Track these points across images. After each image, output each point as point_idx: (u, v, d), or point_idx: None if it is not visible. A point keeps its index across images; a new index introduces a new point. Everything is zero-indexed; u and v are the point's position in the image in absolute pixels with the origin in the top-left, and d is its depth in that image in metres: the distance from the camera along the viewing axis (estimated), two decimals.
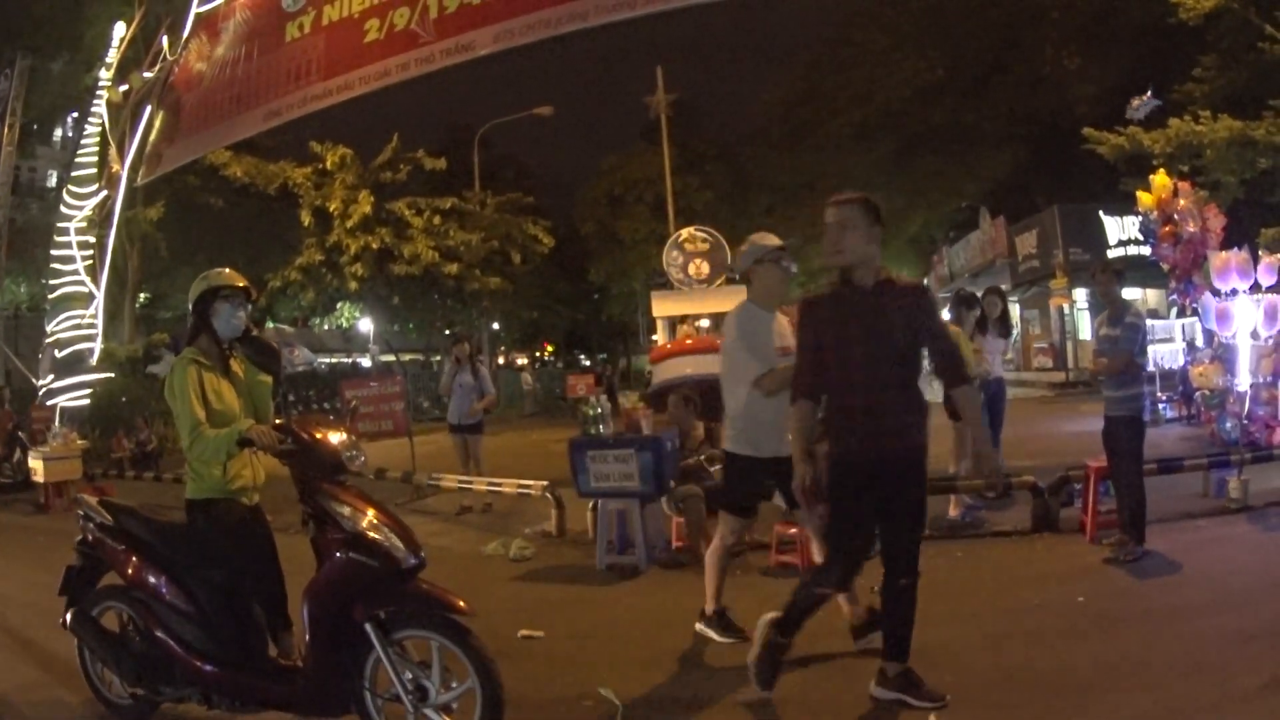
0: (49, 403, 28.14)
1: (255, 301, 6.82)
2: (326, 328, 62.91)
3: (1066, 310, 38.23)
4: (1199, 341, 20.64)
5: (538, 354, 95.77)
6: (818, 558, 7.81)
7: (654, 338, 43.21)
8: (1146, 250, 23.30)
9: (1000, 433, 13.56)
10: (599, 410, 12.10)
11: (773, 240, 8.10)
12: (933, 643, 7.61)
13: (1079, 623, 8.03)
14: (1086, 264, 33.79)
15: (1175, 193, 20.99)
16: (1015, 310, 44.84)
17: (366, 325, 58.44)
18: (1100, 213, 36.55)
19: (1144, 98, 28.68)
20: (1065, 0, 43.17)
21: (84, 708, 7.22)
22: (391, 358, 56.56)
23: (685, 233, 38.81)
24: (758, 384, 7.54)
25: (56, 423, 24.96)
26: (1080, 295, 37.28)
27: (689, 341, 33.88)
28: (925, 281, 56.40)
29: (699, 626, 8.26)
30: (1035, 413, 26.31)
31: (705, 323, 37.56)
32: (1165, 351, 22.85)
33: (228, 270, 6.81)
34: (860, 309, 6.48)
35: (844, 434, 6.65)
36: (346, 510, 5.94)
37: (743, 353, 7.68)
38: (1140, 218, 23.35)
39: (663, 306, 38.65)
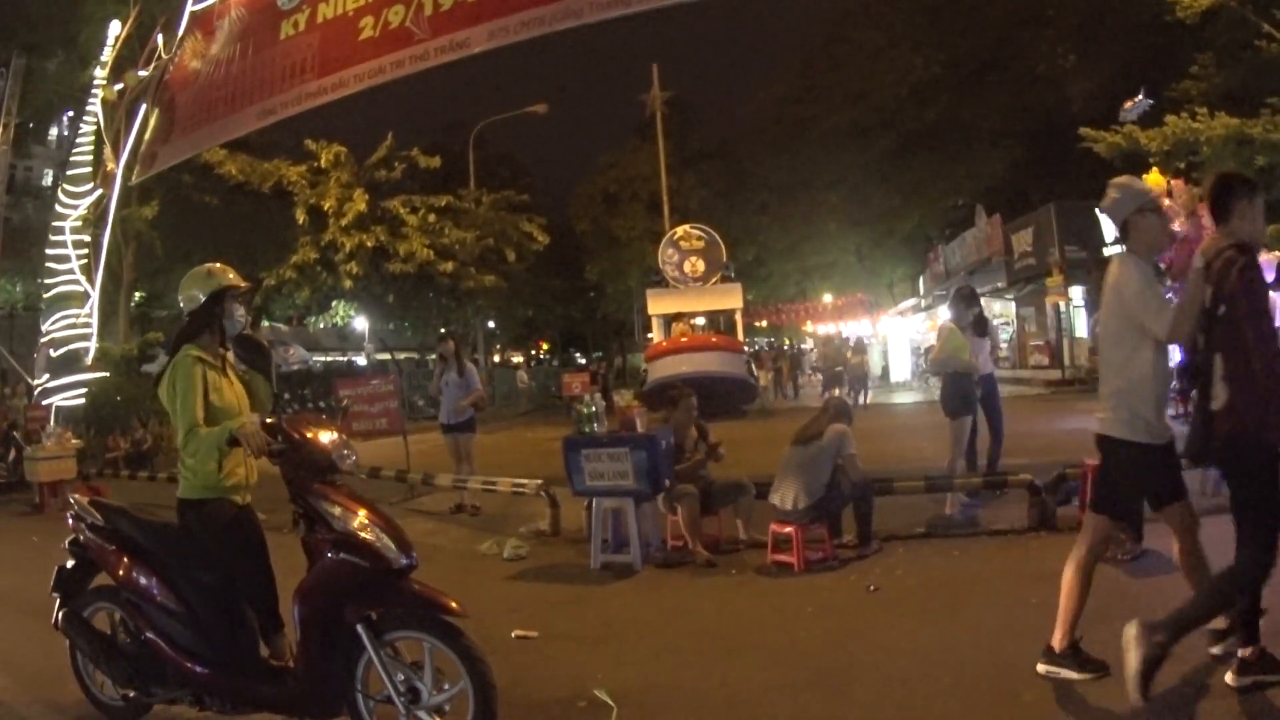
0: (44, 402, 28.10)
1: (252, 300, 6.84)
2: (322, 326, 62.90)
3: (1063, 308, 38.22)
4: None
5: (533, 352, 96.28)
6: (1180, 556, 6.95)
7: (649, 336, 43.27)
8: None
9: (1001, 427, 13.64)
10: (594, 408, 12.11)
11: (1144, 184, 7.52)
12: (930, 641, 7.68)
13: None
14: (1083, 262, 33.82)
15: (1169, 192, 20.96)
16: (1011, 308, 44.94)
17: (361, 324, 58.44)
18: (1097, 210, 36.28)
19: (1136, 99, 28.70)
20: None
21: (76, 709, 7.20)
22: (386, 356, 56.63)
23: (681, 230, 38.98)
24: (1176, 328, 6.49)
25: (51, 422, 24.94)
26: (1076, 293, 37.27)
27: (684, 339, 34.06)
28: (921, 280, 56.55)
29: (1044, 668, 6.91)
30: (1031, 410, 26.35)
31: (701, 320, 37.54)
32: None
33: (227, 269, 6.84)
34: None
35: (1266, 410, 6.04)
36: (337, 510, 5.92)
37: (1150, 307, 6.56)
38: None
39: (658, 304, 38.78)
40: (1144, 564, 9.57)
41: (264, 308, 51.49)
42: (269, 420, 6.27)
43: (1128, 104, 28.98)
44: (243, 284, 6.71)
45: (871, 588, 9.46)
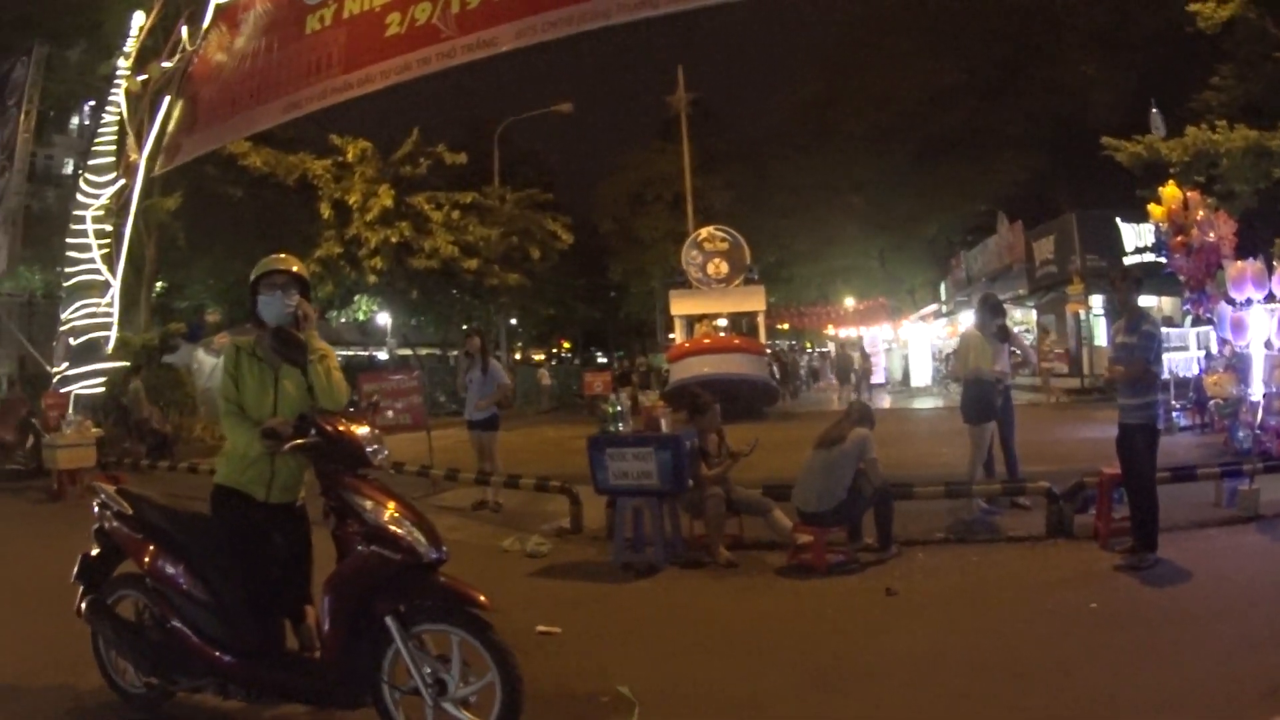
0: (62, 390, 28.15)
1: (307, 289, 6.78)
2: (344, 321, 62.79)
3: (1083, 316, 38.07)
4: (1214, 350, 20.63)
5: (555, 351, 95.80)
6: None
7: (671, 336, 43.25)
8: (1163, 258, 23.25)
9: (1013, 438, 13.64)
10: (619, 408, 12.15)
11: None
12: (948, 645, 7.74)
13: (1091, 629, 8.10)
14: (1103, 270, 33.71)
15: (1185, 204, 20.96)
16: (1032, 316, 44.78)
17: (384, 319, 58.25)
18: (1117, 219, 36.42)
19: (1154, 113, 28.76)
20: (1082, 5, 43.00)
21: (95, 695, 7.25)
22: (408, 352, 56.41)
23: (704, 232, 38.99)
24: None
25: (70, 410, 25.00)
26: (1096, 302, 37.10)
27: (706, 340, 34.08)
28: (942, 285, 56.41)
29: None
30: (1051, 419, 26.33)
31: (723, 322, 37.52)
32: (1180, 360, 22.87)
33: (281, 255, 6.82)
34: None
35: None
36: (368, 504, 5.96)
37: None
38: (1155, 226, 23.36)
39: (681, 305, 38.82)
40: (1158, 573, 9.59)
41: None
42: (301, 414, 6.29)
43: (1154, 117, 29.08)
44: (279, 268, 6.62)
45: (890, 591, 9.52)
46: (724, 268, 38.55)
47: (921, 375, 51.71)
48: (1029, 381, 35.72)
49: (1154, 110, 30.59)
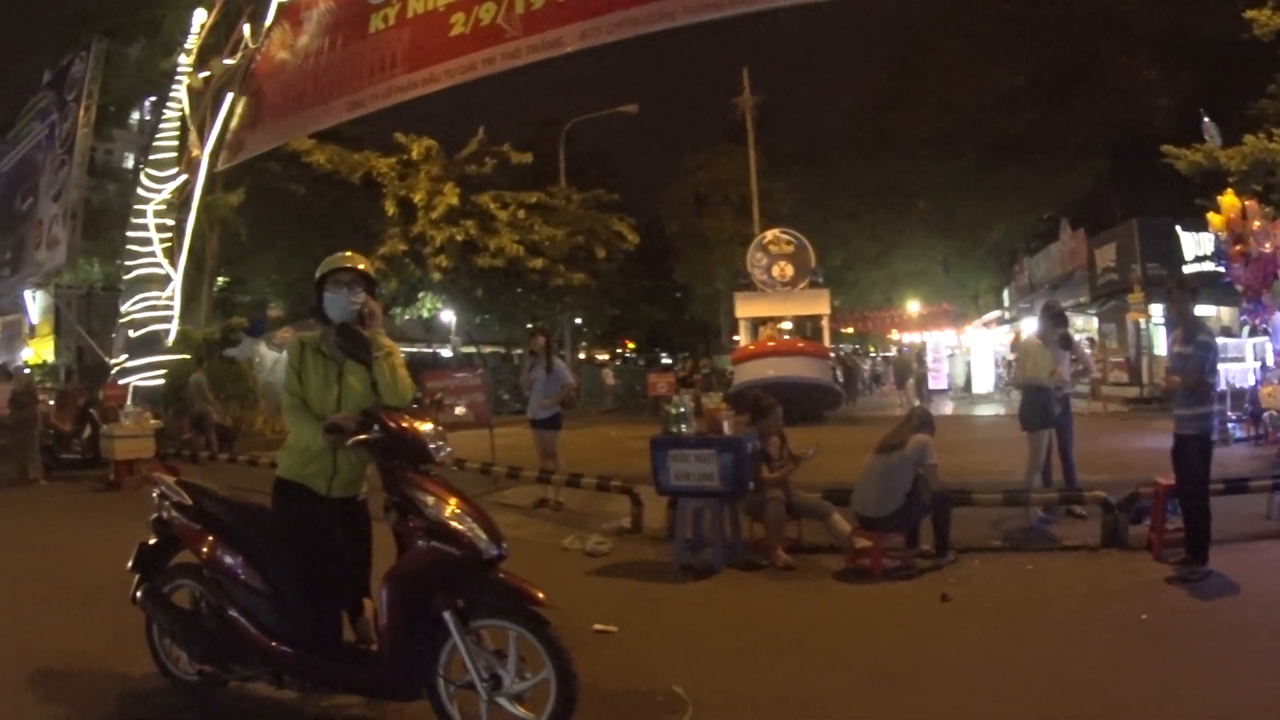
0: (121, 381, 28.37)
1: (373, 287, 6.82)
2: (408, 318, 62.82)
3: (1143, 325, 37.79)
4: (1270, 361, 20.50)
5: (619, 351, 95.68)
6: None
7: (736, 338, 43.28)
8: (1221, 268, 23.10)
9: (1071, 447, 13.63)
10: (682, 409, 12.13)
11: None
12: (999, 652, 7.76)
13: (1141, 640, 8.10)
14: (1163, 279, 33.51)
15: (1244, 213, 20.85)
16: (1093, 324, 44.51)
17: (448, 316, 58.19)
18: (1178, 227, 36.09)
19: (1206, 121, 28.59)
20: (1141, 12, 42.76)
21: (146, 681, 7.34)
22: (472, 349, 56.45)
23: (770, 234, 39.04)
24: None
25: (129, 401, 25.19)
26: (1156, 310, 36.81)
27: (771, 343, 34.09)
28: (1005, 291, 56.14)
29: None
30: (1109, 427, 26.09)
31: (788, 325, 37.52)
32: (1236, 371, 22.70)
33: (347, 253, 6.85)
34: None
35: None
36: (430, 499, 5.99)
37: None
38: (1214, 235, 23.24)
39: (746, 308, 38.89)
40: (1208, 585, 9.55)
41: None
42: (365, 410, 6.35)
43: (1206, 127, 28.92)
44: (344, 266, 6.65)
45: (945, 597, 9.54)
46: (789, 270, 38.58)
47: (984, 382, 51.23)
48: (1081, 390, 35.56)
49: (1205, 120, 30.42)
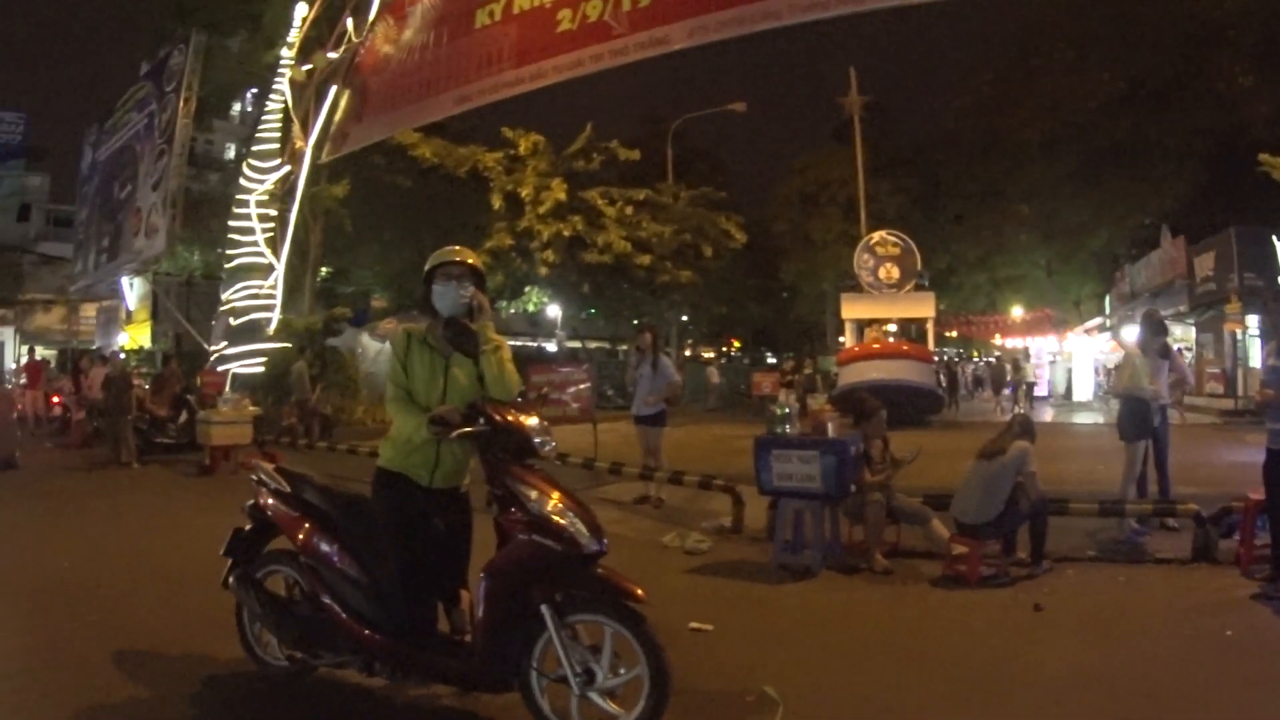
0: (220, 368, 28.69)
1: (482, 281, 6.80)
2: (514, 311, 63.14)
3: (1239, 336, 37.38)
4: None
5: (724, 349, 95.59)
6: None
7: (841, 339, 43.20)
8: None
9: (1167, 459, 13.51)
10: (787, 409, 12.14)
11: None
12: (1088, 664, 7.71)
13: (1225, 656, 8.03)
14: (1260, 290, 33.09)
15: None
16: (1191, 333, 44.00)
17: (554, 311, 58.46)
18: (1275, 238, 35.62)
19: None
20: (1240, 20, 42.30)
21: (232, 665, 7.40)
22: (578, 344, 56.69)
23: (877, 236, 39.04)
24: None
25: (227, 388, 25.44)
26: (1253, 321, 36.40)
27: (876, 346, 34.01)
28: (1107, 299, 55.69)
29: None
30: (1203, 439, 25.81)
31: (892, 327, 37.41)
32: None
33: (456, 247, 6.84)
34: None
35: None
36: (533, 493, 5.99)
37: None
38: None
39: (852, 309, 38.87)
40: None
41: None
42: (472, 403, 6.35)
43: None
44: (454, 259, 6.64)
45: (1038, 607, 9.45)
46: (895, 272, 38.55)
47: (1084, 389, 51.16)
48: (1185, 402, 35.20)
49: None
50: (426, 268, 6.69)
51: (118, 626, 8.63)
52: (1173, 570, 11.07)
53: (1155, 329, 13.58)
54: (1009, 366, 45.09)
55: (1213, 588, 10.19)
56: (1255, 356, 36.26)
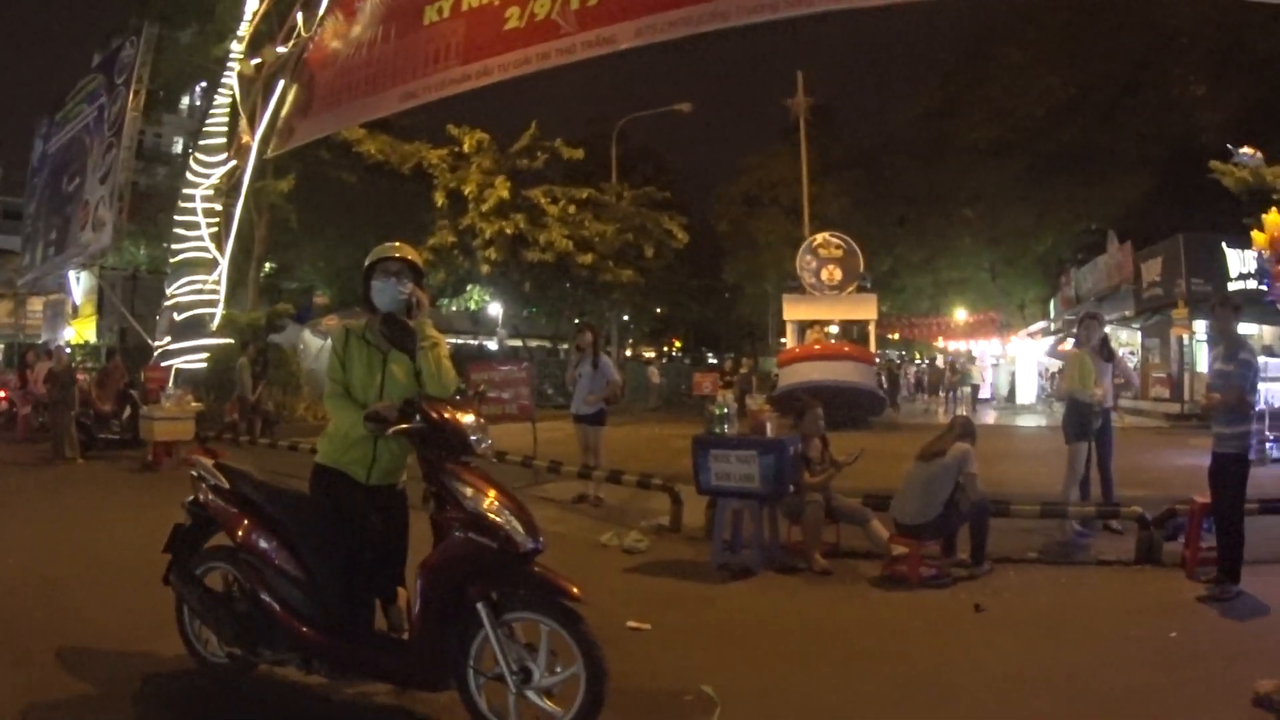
0: (164, 364, 28.55)
1: (420, 277, 6.84)
2: (455, 309, 63.06)
3: (1186, 341, 37.61)
4: None
5: (665, 349, 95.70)
6: None
7: (783, 340, 43.37)
8: (1265, 286, 22.98)
9: (1110, 462, 13.62)
10: (725, 409, 12.18)
11: None
12: (1029, 665, 7.79)
13: (1168, 658, 8.07)
14: (1207, 295, 33.37)
15: None
16: (1137, 338, 44.31)
17: (496, 309, 58.42)
18: (1223, 244, 35.93)
19: (1242, 150, 28.38)
20: (1194, 27, 42.59)
21: (175, 662, 7.38)
22: (518, 343, 56.80)
23: (820, 238, 39.16)
24: None
25: (171, 383, 25.35)
26: (1200, 326, 36.62)
27: (817, 347, 34.21)
28: (1052, 303, 56.07)
29: None
30: (1149, 443, 26.07)
31: (834, 329, 37.62)
32: (1277, 390, 22.57)
33: (396, 243, 6.86)
34: None
35: None
36: (469, 491, 6.01)
37: None
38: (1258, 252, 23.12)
39: (794, 310, 39.02)
40: (1238, 605, 9.52)
41: None
42: (407, 399, 6.37)
43: (1245, 150, 28.62)
44: (393, 256, 6.68)
45: (979, 607, 9.53)
46: (838, 274, 38.55)
47: (1027, 392, 51.67)
48: (1131, 405, 35.42)
49: (1243, 150, 30.18)
50: (366, 263, 6.74)
51: (61, 623, 8.59)
52: (1116, 572, 11.18)
53: (1090, 327, 13.69)
54: (947, 370, 45.32)
55: (1157, 590, 10.27)
56: (1202, 361, 36.50)
